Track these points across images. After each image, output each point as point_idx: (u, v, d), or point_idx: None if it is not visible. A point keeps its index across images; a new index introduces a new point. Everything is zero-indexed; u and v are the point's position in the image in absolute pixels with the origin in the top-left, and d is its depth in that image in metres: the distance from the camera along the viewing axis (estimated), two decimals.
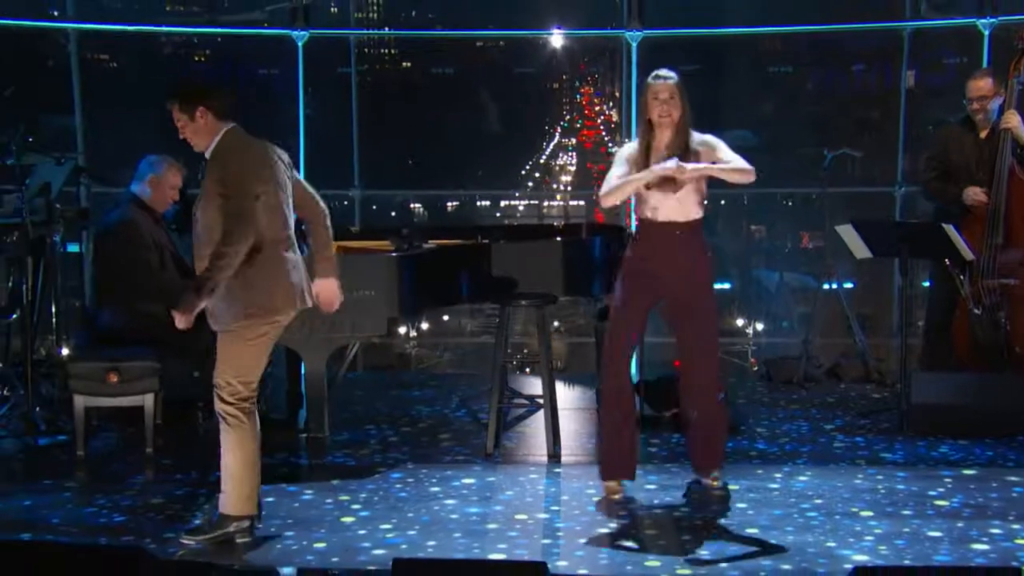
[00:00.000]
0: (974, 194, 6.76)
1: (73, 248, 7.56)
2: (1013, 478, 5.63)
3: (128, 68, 10.99)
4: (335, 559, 4.61)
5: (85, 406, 6.03)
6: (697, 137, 5.24)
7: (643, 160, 5.23)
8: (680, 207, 5.20)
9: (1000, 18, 8.59)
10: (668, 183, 5.12)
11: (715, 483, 5.46)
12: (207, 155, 4.74)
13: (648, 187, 5.15)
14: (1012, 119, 6.68)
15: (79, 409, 6.02)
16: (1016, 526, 4.94)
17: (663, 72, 5.27)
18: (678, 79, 5.25)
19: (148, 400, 6.00)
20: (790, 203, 11.32)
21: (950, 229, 6.47)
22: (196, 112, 4.67)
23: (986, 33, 8.60)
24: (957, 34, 9.32)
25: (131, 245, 6.19)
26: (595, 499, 5.36)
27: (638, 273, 5.31)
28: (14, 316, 6.79)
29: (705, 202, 5.29)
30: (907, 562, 4.54)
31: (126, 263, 6.19)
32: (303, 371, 6.37)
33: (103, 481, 5.67)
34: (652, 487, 5.54)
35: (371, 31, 11.65)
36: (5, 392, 6.62)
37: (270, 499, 5.35)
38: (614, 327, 5.39)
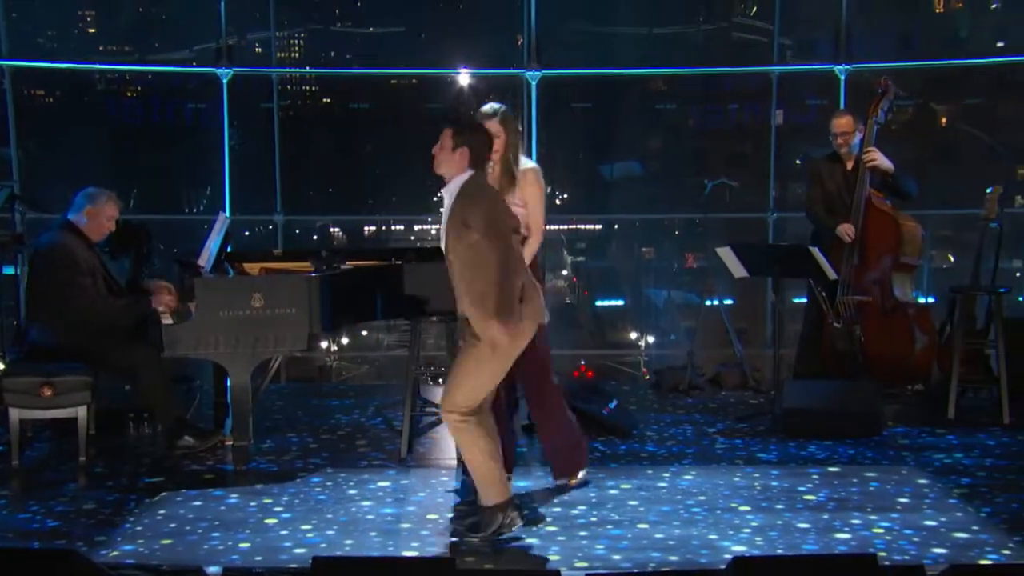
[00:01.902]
0: (844, 230, 6.92)
1: (8, 270, 7.38)
2: (871, 474, 5.75)
3: (63, 102, 10.79)
4: (258, 558, 4.54)
5: (20, 418, 5.88)
6: (526, 165, 5.27)
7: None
8: None
9: (853, 65, 8.84)
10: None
11: (573, 481, 5.56)
12: (448, 188, 4.70)
13: None
14: (875, 156, 6.85)
15: (14, 421, 5.87)
16: (873, 517, 5.04)
17: (486, 108, 5.29)
18: (503, 114, 5.26)
19: (81, 412, 5.87)
20: (675, 227, 11.49)
21: (815, 251, 6.60)
22: (460, 150, 4.67)
23: (842, 78, 8.84)
24: (817, 78, 9.56)
25: (62, 266, 6.02)
26: None
27: None
28: None
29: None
30: (779, 552, 4.61)
31: (57, 283, 6.03)
32: (228, 383, 6.27)
33: (37, 488, 5.52)
34: (552, 487, 5.54)
35: (292, 69, 11.56)
36: None
37: (197, 503, 5.27)
38: None
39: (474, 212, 4.59)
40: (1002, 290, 6.90)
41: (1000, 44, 10.73)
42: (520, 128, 5.36)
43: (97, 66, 10.34)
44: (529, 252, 5.23)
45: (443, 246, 4.74)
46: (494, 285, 4.55)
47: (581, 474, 5.58)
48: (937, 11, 11.97)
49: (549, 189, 10.93)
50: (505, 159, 5.25)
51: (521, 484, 5.58)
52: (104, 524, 4.98)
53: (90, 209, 6.18)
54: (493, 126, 5.18)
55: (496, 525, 4.73)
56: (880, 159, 6.86)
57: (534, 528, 4.91)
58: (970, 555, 4.56)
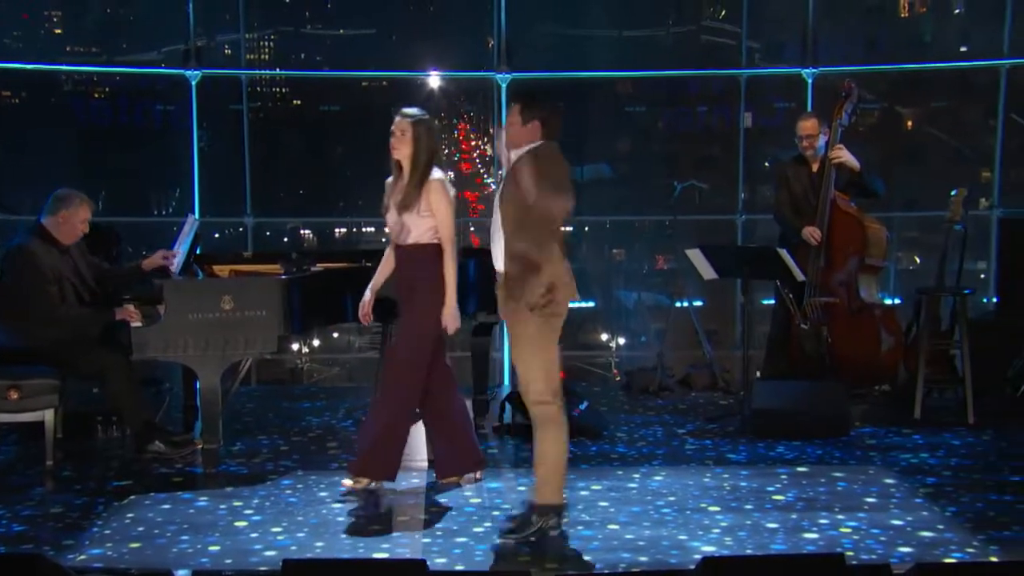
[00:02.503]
0: (809, 233, 6.96)
1: None
2: (838, 474, 5.79)
3: (30, 104, 10.69)
4: (228, 561, 4.52)
5: None
6: (435, 175, 5.26)
7: (392, 191, 5.34)
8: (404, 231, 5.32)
9: (820, 68, 8.90)
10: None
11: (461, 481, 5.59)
12: (512, 156, 4.72)
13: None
14: (841, 153, 6.90)
15: None
16: (841, 516, 5.07)
17: (407, 109, 5.31)
18: (417, 118, 5.26)
19: (48, 415, 5.82)
20: (646, 234, 11.52)
21: (783, 253, 6.63)
22: (532, 123, 4.68)
23: (809, 81, 8.90)
24: (785, 81, 9.62)
25: (27, 271, 5.96)
26: (472, 500, 5.36)
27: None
28: None
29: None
30: (748, 551, 4.63)
31: (20, 287, 5.96)
32: (198, 386, 6.23)
33: (3, 492, 5.47)
34: (523, 489, 5.53)
35: (262, 71, 11.51)
36: None
37: (166, 506, 5.24)
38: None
39: (541, 171, 4.57)
40: (967, 291, 6.96)
41: (963, 48, 10.83)
42: (436, 138, 5.31)
43: (64, 67, 10.26)
44: (450, 269, 5.29)
45: (498, 208, 4.74)
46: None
47: (469, 475, 5.59)
48: (902, 16, 12.07)
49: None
50: (413, 165, 5.24)
51: (492, 486, 5.59)
52: (71, 528, 4.94)
53: (64, 213, 6.12)
54: (403, 126, 5.21)
55: (538, 527, 4.74)
56: (846, 156, 6.90)
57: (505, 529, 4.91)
58: (935, 554, 4.60)
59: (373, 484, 5.45)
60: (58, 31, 11.25)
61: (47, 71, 9.81)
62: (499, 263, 4.78)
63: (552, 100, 4.85)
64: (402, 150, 5.26)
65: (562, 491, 4.78)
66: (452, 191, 5.34)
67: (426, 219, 5.26)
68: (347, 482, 5.48)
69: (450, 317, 5.35)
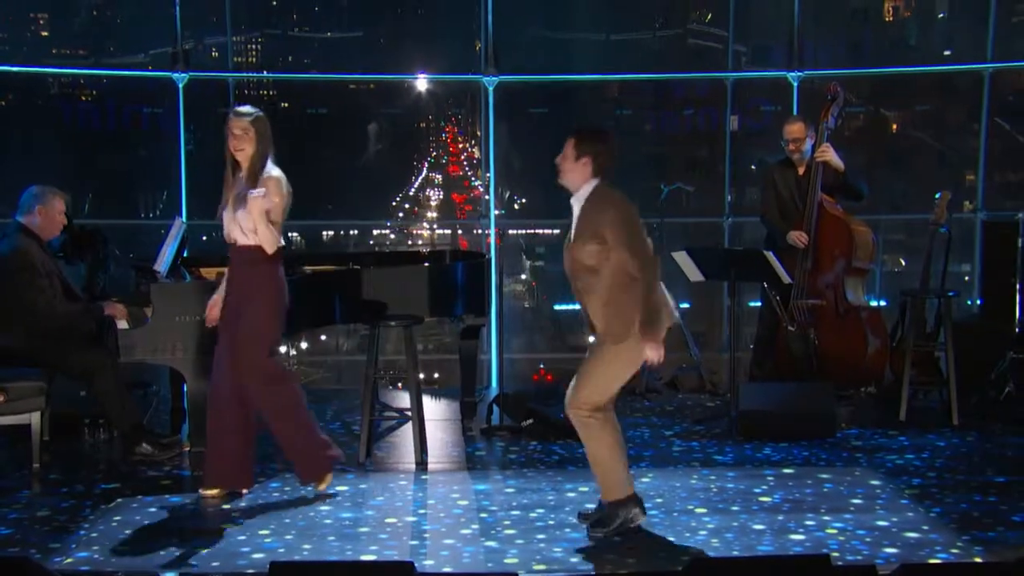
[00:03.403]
0: (796, 237, 6.98)
1: None
2: (824, 475, 5.80)
3: (17, 106, 10.65)
4: (216, 564, 4.51)
5: None
6: (270, 172, 5.22)
7: (227, 190, 5.27)
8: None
9: (805, 72, 8.93)
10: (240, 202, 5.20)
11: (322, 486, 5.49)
12: (576, 197, 4.78)
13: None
14: (827, 152, 6.93)
15: None
16: (827, 517, 5.09)
17: (242, 108, 5.27)
18: (255, 116, 5.24)
19: (34, 418, 5.81)
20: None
21: (770, 256, 6.65)
22: (583, 159, 4.72)
23: (795, 84, 8.93)
24: (771, 85, 9.65)
25: (21, 271, 5.95)
26: (459, 503, 5.36)
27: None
28: None
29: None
30: (735, 553, 4.64)
31: (15, 287, 5.95)
32: (185, 389, 6.21)
33: None
34: (511, 491, 5.55)
35: (249, 74, 11.48)
36: None
37: (153, 509, 5.23)
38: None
39: (605, 222, 4.66)
40: (951, 294, 6.99)
41: (947, 52, 10.89)
42: (270, 135, 5.27)
43: (51, 69, 10.23)
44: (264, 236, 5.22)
45: (569, 254, 4.77)
46: (643, 300, 4.64)
47: (329, 477, 5.51)
48: (887, 20, 12.11)
49: (507, 195, 10.99)
50: (252, 163, 5.19)
51: (480, 488, 5.59)
52: (59, 531, 4.92)
53: (40, 208, 6.12)
54: (244, 126, 5.16)
55: (620, 521, 4.78)
56: (831, 155, 6.93)
57: (492, 531, 4.92)
58: (921, 554, 4.62)
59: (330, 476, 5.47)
60: (45, 33, 11.21)
61: (34, 73, 9.79)
62: (591, 311, 4.79)
63: (606, 135, 4.88)
64: (245, 149, 5.18)
65: (625, 484, 4.82)
66: (288, 188, 5.28)
67: (249, 220, 5.17)
68: (322, 487, 5.45)
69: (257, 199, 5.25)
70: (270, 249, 5.21)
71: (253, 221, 5.15)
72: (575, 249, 4.73)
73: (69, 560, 4.54)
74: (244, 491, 5.44)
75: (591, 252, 4.68)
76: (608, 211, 4.69)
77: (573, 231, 4.78)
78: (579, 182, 4.78)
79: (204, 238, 9.84)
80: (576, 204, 4.80)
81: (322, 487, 5.46)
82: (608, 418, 4.80)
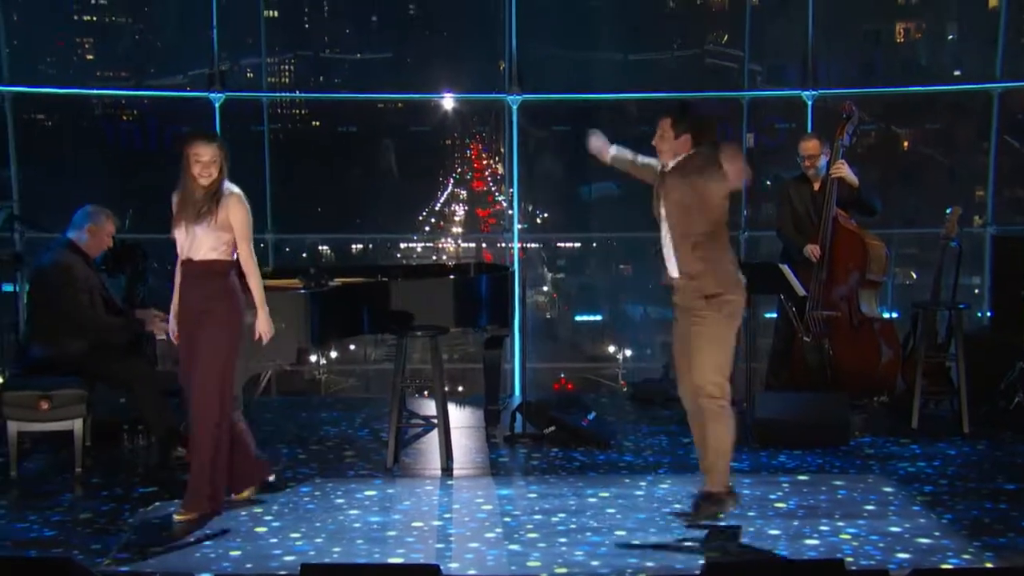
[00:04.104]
0: (810, 250, 6.96)
1: (8, 288, 7.33)
2: (838, 482, 5.77)
3: (62, 126, 10.77)
4: (249, 566, 4.52)
5: (18, 431, 5.86)
6: (230, 190, 5.17)
7: (183, 205, 5.16)
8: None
9: (820, 91, 8.91)
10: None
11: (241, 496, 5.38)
12: (669, 166, 4.93)
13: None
14: (842, 168, 6.90)
15: (12, 434, 5.85)
16: (841, 523, 5.06)
17: (205, 134, 5.23)
18: (220, 141, 5.20)
19: (77, 424, 5.85)
20: (653, 250, 11.52)
21: (785, 269, 6.63)
22: (682, 136, 4.85)
23: (809, 103, 8.91)
24: (786, 103, 9.62)
25: (64, 286, 6.03)
26: (484, 507, 5.36)
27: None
28: None
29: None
30: (751, 557, 4.62)
31: (58, 302, 6.03)
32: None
33: (34, 499, 5.48)
34: (533, 496, 5.54)
35: (282, 94, 11.55)
36: None
37: None
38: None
39: (711, 176, 4.78)
40: (962, 306, 6.95)
41: (957, 72, 10.84)
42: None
43: (95, 91, 10.33)
44: (256, 278, 5.19)
45: (665, 213, 4.91)
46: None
47: (248, 492, 5.41)
48: (898, 41, 12.08)
49: (530, 208, 11.00)
50: (216, 185, 5.13)
51: (503, 493, 5.58)
52: (100, 533, 4.95)
53: (91, 227, 6.21)
54: (213, 152, 5.10)
55: (726, 508, 4.92)
56: (846, 171, 6.90)
57: (516, 535, 4.91)
58: (932, 560, 4.58)
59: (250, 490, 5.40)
60: (90, 57, 11.34)
61: (79, 95, 9.89)
62: (673, 269, 4.94)
63: (699, 109, 4.98)
64: (213, 174, 5.10)
65: (728, 479, 4.93)
66: (247, 204, 5.23)
67: (222, 233, 5.13)
68: (242, 496, 5.34)
69: (265, 324, 5.23)
70: (253, 260, 5.21)
71: (221, 240, 5.11)
72: (673, 211, 4.83)
73: (109, 561, 4.56)
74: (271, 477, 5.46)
75: (688, 209, 4.81)
76: (714, 170, 4.79)
77: (673, 191, 4.87)
78: (681, 150, 4.89)
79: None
80: (672, 169, 4.91)
81: (182, 518, 5.12)
82: (730, 407, 4.92)
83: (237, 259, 5.20)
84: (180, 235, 5.16)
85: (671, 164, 4.93)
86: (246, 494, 5.42)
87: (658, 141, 4.92)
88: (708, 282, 4.91)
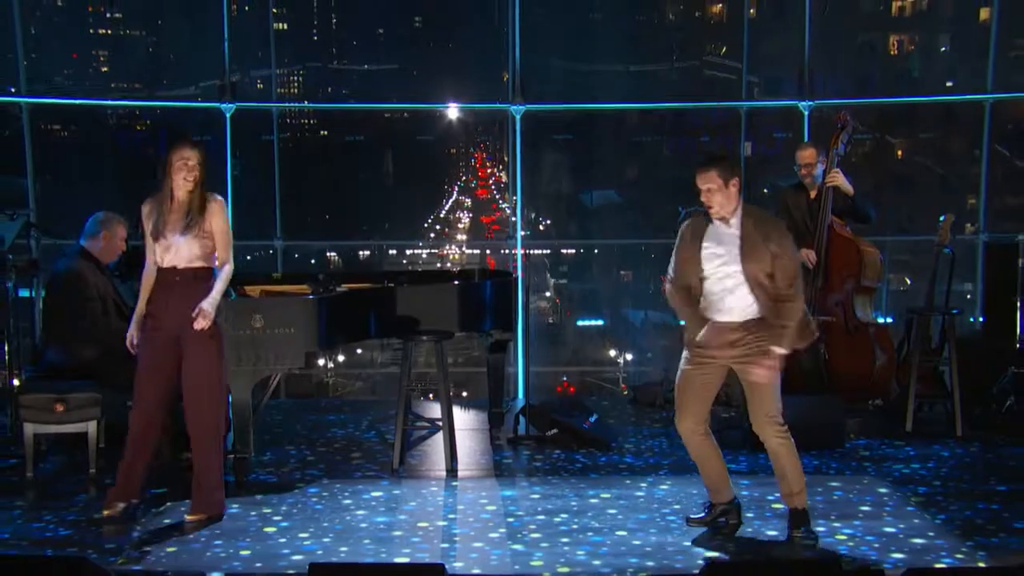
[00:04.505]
0: (806, 256, 6.95)
1: (24, 293, 7.33)
2: (834, 483, 5.76)
3: (78, 136, 10.80)
4: (258, 564, 4.52)
5: (34, 432, 5.85)
6: (217, 197, 5.19)
7: (164, 215, 5.11)
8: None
9: (816, 101, 8.91)
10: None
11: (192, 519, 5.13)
12: (731, 219, 4.73)
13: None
14: (837, 177, 6.90)
15: (28, 435, 5.84)
16: (837, 524, 5.05)
17: (188, 141, 5.19)
18: (201, 147, 5.17)
19: (91, 427, 5.85)
20: (653, 256, 11.54)
21: None
22: (731, 182, 4.69)
23: (805, 113, 8.90)
24: (783, 113, 9.63)
25: (77, 293, 6.04)
26: (488, 508, 5.35)
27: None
28: None
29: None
30: (749, 557, 4.61)
31: (71, 308, 6.03)
32: (230, 399, 6.24)
33: (50, 499, 5.48)
34: (536, 496, 5.54)
35: (291, 104, 11.59)
36: None
37: None
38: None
39: (774, 237, 4.71)
40: (955, 311, 6.94)
41: (949, 83, 10.86)
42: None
43: (109, 102, 10.37)
44: (224, 280, 5.15)
45: (732, 267, 4.75)
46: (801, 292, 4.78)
47: (193, 518, 5.13)
48: (892, 53, 12.09)
49: (533, 215, 11.01)
50: (200, 190, 5.13)
51: (507, 494, 5.58)
52: (113, 533, 4.94)
53: (105, 233, 6.23)
54: (198, 158, 5.10)
55: (808, 521, 4.83)
56: (841, 180, 6.89)
57: (518, 535, 4.91)
58: (926, 559, 4.58)
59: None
60: (105, 69, 11.38)
61: (95, 106, 9.93)
62: (729, 316, 4.78)
63: (726, 154, 4.90)
64: (196, 179, 5.10)
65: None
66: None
67: (207, 241, 5.12)
68: (193, 518, 5.15)
69: (208, 314, 5.09)
70: (231, 266, 5.20)
71: (206, 247, 5.11)
72: (753, 267, 4.72)
73: (122, 560, 4.56)
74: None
75: (767, 265, 4.71)
76: (773, 227, 4.76)
77: (740, 251, 4.73)
78: (734, 204, 4.74)
79: (248, 258, 9.93)
80: (732, 226, 4.75)
81: (193, 518, 5.10)
82: None
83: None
84: (160, 243, 5.11)
85: (733, 219, 4.74)
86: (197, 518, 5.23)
87: (708, 196, 4.70)
88: (792, 330, 4.78)
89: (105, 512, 5.14)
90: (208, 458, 5.15)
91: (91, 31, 11.36)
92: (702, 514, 5.01)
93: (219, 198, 5.21)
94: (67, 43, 10.16)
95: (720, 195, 4.69)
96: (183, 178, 5.09)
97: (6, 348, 6.69)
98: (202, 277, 5.13)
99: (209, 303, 5.07)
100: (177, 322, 5.10)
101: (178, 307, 5.09)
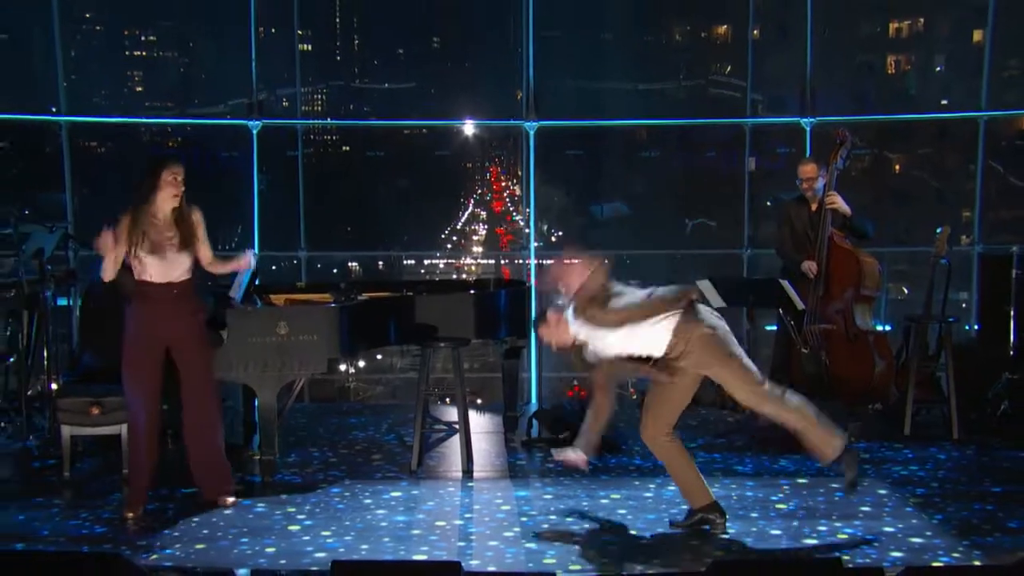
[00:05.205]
0: (808, 267, 6.94)
1: (62, 302, 7.38)
2: (836, 485, 5.71)
3: (113, 152, 10.86)
4: (283, 561, 4.53)
5: (71, 434, 5.90)
6: (196, 209, 5.26)
7: (155, 232, 5.15)
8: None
9: (818, 118, 8.89)
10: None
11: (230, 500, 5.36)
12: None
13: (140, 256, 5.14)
14: (835, 199, 6.88)
15: (66, 437, 5.89)
16: (838, 524, 5.03)
17: (173, 157, 5.26)
18: (182, 164, 5.23)
19: (124, 429, 5.86)
20: (659, 261, 11.52)
21: (785, 284, 6.61)
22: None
23: (807, 129, 8.89)
24: (785, 129, 9.61)
25: (112, 301, 6.04)
26: (502, 508, 5.35)
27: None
28: (12, 359, 6.63)
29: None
30: (754, 556, 4.60)
31: (107, 316, 6.05)
32: (256, 403, 6.26)
33: (86, 498, 5.52)
34: (549, 497, 5.54)
35: (315, 120, 11.61)
36: (3, 423, 6.41)
37: (228, 511, 5.26)
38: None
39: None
40: (951, 319, 6.92)
41: (944, 101, 10.82)
42: None
43: (143, 120, 10.43)
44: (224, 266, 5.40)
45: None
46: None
47: (231, 499, 5.37)
48: (889, 72, 12.06)
49: (545, 227, 10.99)
50: (184, 204, 5.20)
51: (521, 494, 5.57)
52: (145, 530, 4.97)
53: None
54: (183, 174, 5.18)
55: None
56: (839, 203, 6.88)
57: (532, 534, 4.90)
58: (924, 558, 4.56)
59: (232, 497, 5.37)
60: (139, 89, 11.44)
61: (129, 124, 10.00)
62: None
63: None
64: (182, 193, 5.18)
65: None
66: None
67: (191, 255, 5.23)
68: (230, 501, 5.34)
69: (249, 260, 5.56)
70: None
71: (192, 259, 5.22)
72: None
73: (155, 556, 4.58)
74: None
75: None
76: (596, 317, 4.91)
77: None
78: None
79: (274, 267, 9.95)
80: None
81: (232, 500, 5.36)
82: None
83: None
84: (154, 259, 5.14)
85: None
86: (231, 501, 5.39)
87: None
88: None
89: (129, 515, 5.17)
90: (219, 445, 5.35)
91: (127, 53, 11.43)
92: (681, 518, 5.00)
93: (196, 207, 5.28)
94: (104, 65, 10.23)
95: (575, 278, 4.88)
96: (171, 194, 5.16)
97: (45, 354, 6.75)
98: (193, 288, 5.31)
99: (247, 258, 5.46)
100: (173, 331, 5.21)
101: (175, 317, 5.21)
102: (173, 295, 5.20)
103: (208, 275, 5.57)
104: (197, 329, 5.30)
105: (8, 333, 6.75)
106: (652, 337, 4.75)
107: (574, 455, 4.87)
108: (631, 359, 4.83)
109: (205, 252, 5.31)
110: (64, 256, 7.85)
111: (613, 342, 4.77)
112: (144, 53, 11.89)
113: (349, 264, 11.55)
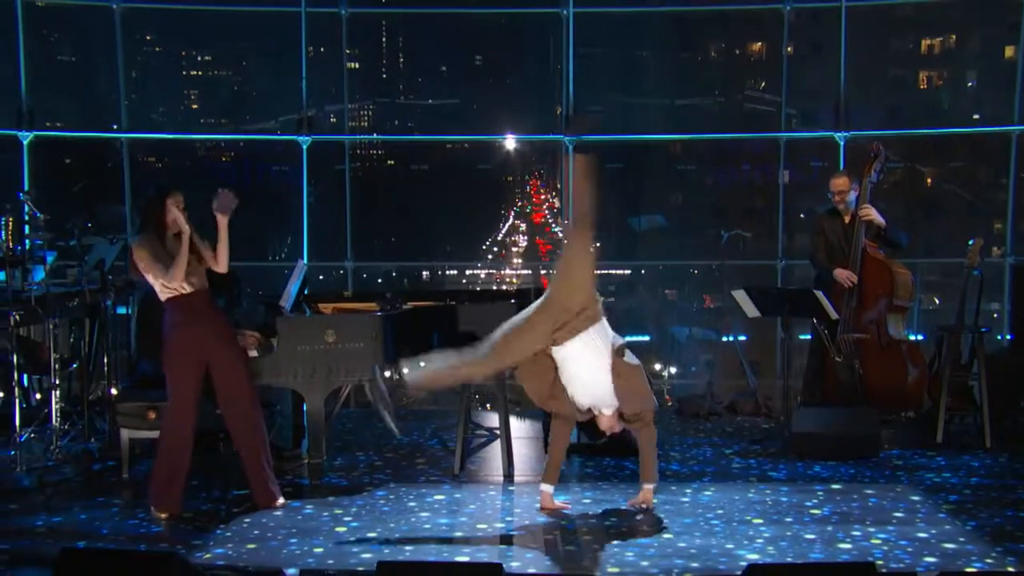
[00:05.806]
0: (843, 276, 6.86)
1: (122, 311, 7.48)
2: (869, 491, 5.66)
3: (171, 166, 11.03)
4: (330, 562, 4.55)
5: (129, 437, 5.98)
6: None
7: (181, 254, 5.21)
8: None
9: (851, 132, 8.81)
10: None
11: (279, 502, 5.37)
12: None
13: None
14: (870, 211, 6.81)
15: (124, 440, 5.97)
16: (872, 529, 4.96)
17: (177, 188, 5.35)
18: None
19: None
20: (695, 271, 11.46)
21: (819, 294, 6.55)
22: None
23: (841, 143, 8.81)
24: (819, 143, 9.53)
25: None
26: (542, 511, 5.34)
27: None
28: (75, 365, 6.72)
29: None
30: (789, 560, 4.55)
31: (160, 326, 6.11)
32: (305, 408, 6.30)
33: (144, 499, 5.55)
34: (588, 501, 5.51)
35: (362, 136, 11.70)
36: (67, 426, 6.51)
37: (277, 513, 5.29)
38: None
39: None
40: (984, 330, 6.82)
41: (976, 116, 10.69)
42: None
43: (199, 136, 10.59)
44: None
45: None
46: None
47: (280, 500, 5.39)
48: (922, 87, 11.94)
49: None
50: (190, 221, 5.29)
51: (560, 498, 5.54)
52: (199, 530, 5.01)
53: None
54: (184, 198, 5.31)
55: None
56: (874, 214, 6.81)
57: (571, 537, 4.88)
58: (958, 564, 4.48)
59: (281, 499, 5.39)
60: (195, 106, 11.61)
61: (185, 139, 10.15)
62: None
63: None
64: (187, 216, 5.29)
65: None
66: None
67: (202, 261, 5.34)
68: (281, 500, 5.37)
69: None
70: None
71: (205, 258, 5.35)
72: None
73: (208, 555, 4.61)
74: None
75: None
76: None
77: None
78: None
79: (321, 277, 10.02)
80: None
81: (284, 502, 5.40)
82: None
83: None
84: (184, 275, 5.23)
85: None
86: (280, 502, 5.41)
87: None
88: None
89: (162, 515, 5.21)
90: (266, 451, 5.38)
91: (184, 73, 11.61)
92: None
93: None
94: (163, 84, 10.39)
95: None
96: (175, 219, 5.27)
97: (106, 360, 6.84)
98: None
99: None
100: (224, 338, 5.35)
101: (217, 323, 5.34)
102: (207, 304, 5.34)
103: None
104: (232, 335, 5.43)
105: (72, 340, 6.85)
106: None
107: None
108: None
109: (206, 251, 5.38)
110: (123, 267, 7.95)
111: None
112: (200, 72, 12.08)
113: (393, 274, 11.62)
